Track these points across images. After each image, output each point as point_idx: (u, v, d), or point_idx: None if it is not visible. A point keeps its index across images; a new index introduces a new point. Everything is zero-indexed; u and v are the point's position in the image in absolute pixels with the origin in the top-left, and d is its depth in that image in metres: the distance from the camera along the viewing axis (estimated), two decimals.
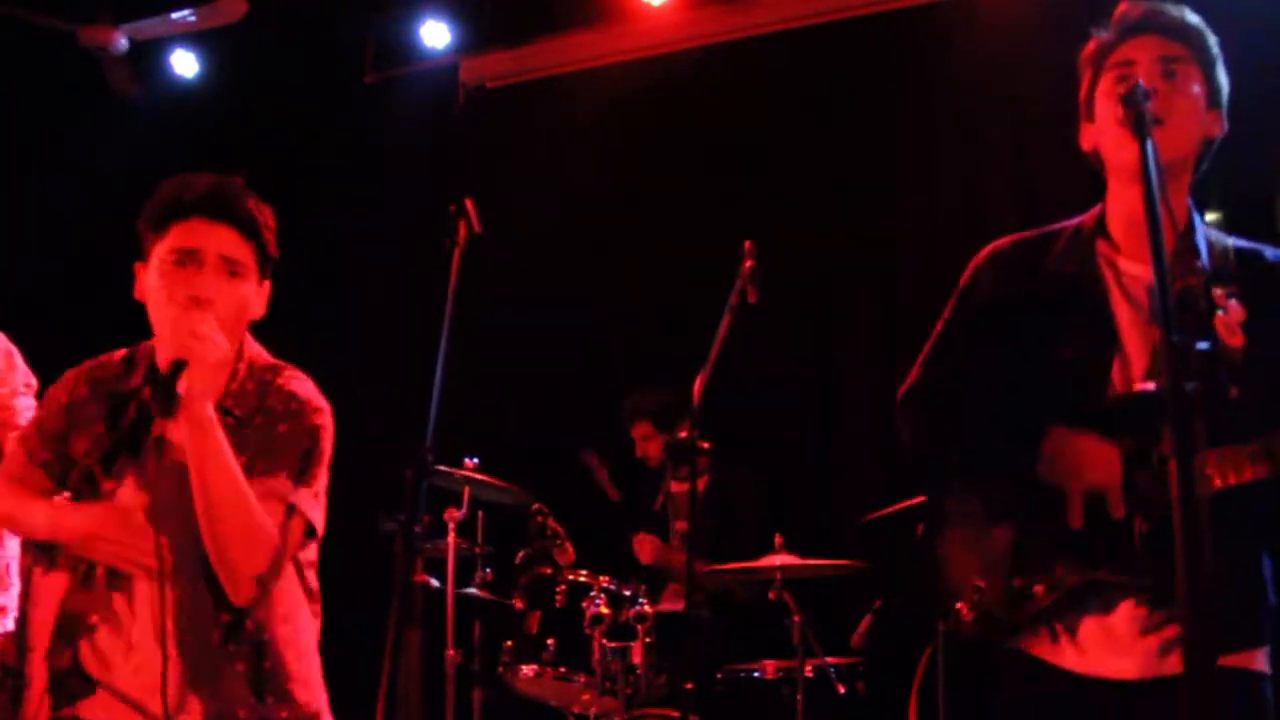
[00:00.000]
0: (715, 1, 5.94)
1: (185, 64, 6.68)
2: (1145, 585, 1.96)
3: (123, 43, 6.07)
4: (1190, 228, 2.10)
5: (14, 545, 3.71)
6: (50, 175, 6.47)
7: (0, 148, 6.28)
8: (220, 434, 2.20)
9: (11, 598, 3.67)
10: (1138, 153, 1.78)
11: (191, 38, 6.47)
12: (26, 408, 3.67)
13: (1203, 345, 1.75)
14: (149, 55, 6.49)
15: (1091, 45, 2.21)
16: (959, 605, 2.14)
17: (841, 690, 4.18)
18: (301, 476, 2.33)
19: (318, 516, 2.35)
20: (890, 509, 4.24)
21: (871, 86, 5.72)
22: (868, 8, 5.68)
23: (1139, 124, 1.78)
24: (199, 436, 2.18)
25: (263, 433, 2.34)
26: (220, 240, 2.31)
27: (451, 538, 4.49)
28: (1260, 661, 2.04)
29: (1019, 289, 2.21)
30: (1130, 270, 2.12)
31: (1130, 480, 1.96)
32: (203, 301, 2.26)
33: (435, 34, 6.32)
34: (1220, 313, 2.01)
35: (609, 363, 5.98)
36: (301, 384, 2.43)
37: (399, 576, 1.92)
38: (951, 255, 2.37)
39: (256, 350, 2.47)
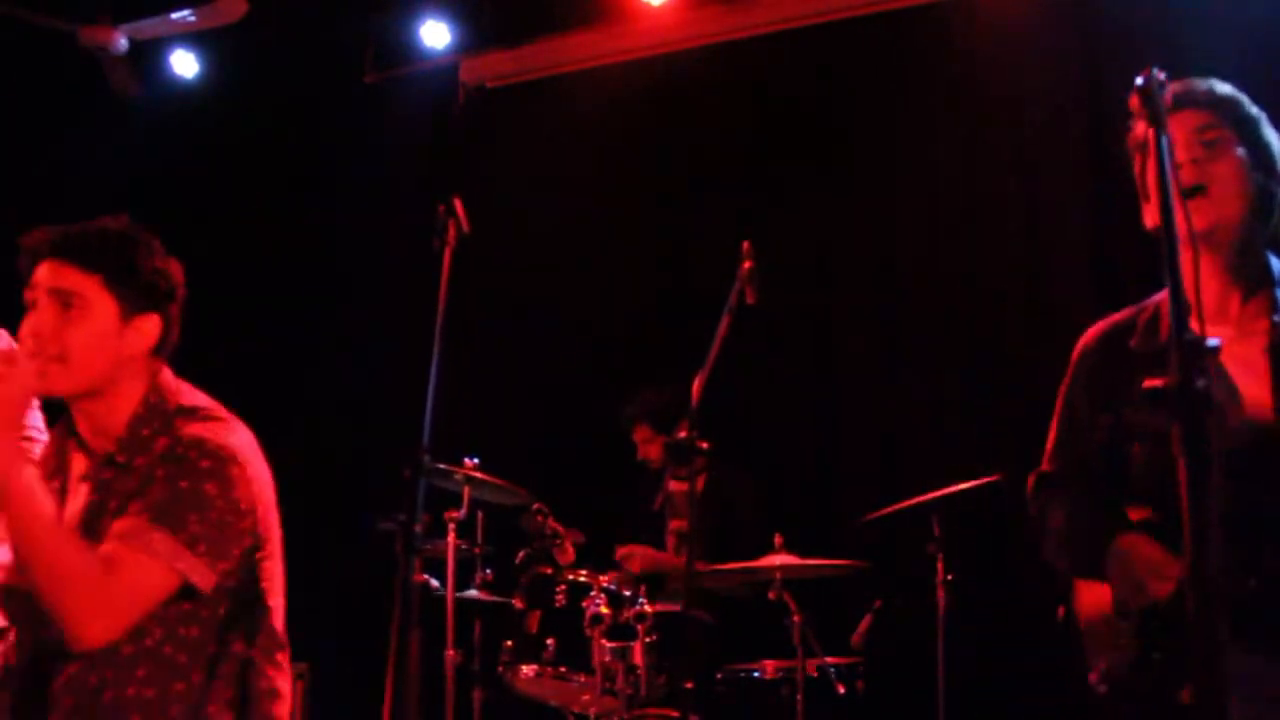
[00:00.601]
0: (715, 1, 5.93)
1: (185, 64, 6.68)
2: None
3: (123, 43, 6.06)
4: (1264, 279, 2.15)
5: None
6: (50, 175, 6.46)
7: (0, 148, 6.27)
8: (17, 477, 2.07)
9: None
10: (1184, 222, 1.78)
11: (191, 38, 6.47)
12: (32, 428, 3.65)
13: (1213, 342, 1.75)
14: (149, 55, 6.49)
15: (1137, 130, 2.23)
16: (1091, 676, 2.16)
17: (841, 690, 4.17)
18: (168, 521, 2.16)
19: (187, 565, 2.16)
20: (890, 509, 4.24)
21: (871, 86, 5.71)
22: (868, 8, 5.68)
23: (1154, 114, 1.76)
24: None
25: (142, 477, 2.24)
26: (55, 276, 2.27)
27: (451, 538, 4.49)
28: None
29: (1113, 368, 2.25)
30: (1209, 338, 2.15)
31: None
32: (38, 339, 2.23)
33: (435, 34, 6.31)
34: None
35: (609, 363, 5.98)
36: (207, 428, 2.29)
37: (400, 577, 1.91)
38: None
39: (170, 393, 2.36)
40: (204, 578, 2.19)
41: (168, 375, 2.40)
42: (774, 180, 5.83)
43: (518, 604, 4.33)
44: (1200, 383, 1.47)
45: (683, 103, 6.05)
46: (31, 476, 2.12)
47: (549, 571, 4.37)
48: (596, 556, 4.73)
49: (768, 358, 5.63)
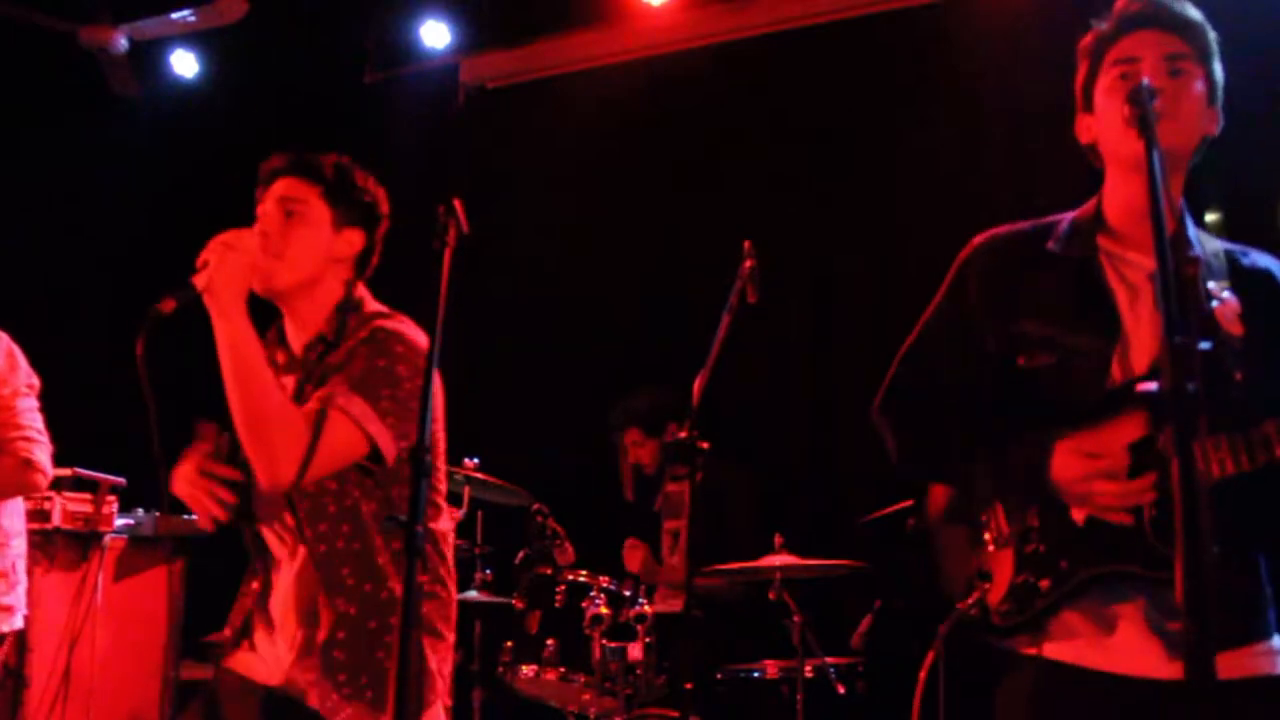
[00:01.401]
0: (715, 1, 5.93)
1: (185, 64, 6.68)
2: (1161, 578, 1.91)
3: (123, 43, 6.07)
4: (1181, 223, 2.10)
5: (18, 544, 3.72)
6: (50, 176, 6.47)
7: (0, 148, 6.28)
8: (238, 320, 2.35)
9: (17, 596, 3.67)
10: (1140, 148, 1.77)
11: (191, 38, 6.48)
12: (28, 409, 3.67)
13: (1205, 345, 1.74)
14: (149, 55, 6.50)
15: (1090, 36, 2.19)
16: (961, 605, 2.13)
17: (841, 690, 4.18)
18: (364, 390, 2.41)
19: (376, 430, 2.39)
20: (890, 509, 4.24)
21: (871, 86, 5.71)
22: (868, 8, 5.68)
23: (1145, 125, 1.77)
24: (217, 322, 2.35)
25: (345, 355, 2.51)
26: (283, 189, 2.63)
27: (451, 538, 4.49)
28: (1274, 663, 2.01)
29: (1019, 272, 2.19)
30: (1132, 259, 2.12)
31: (1138, 466, 1.93)
32: (264, 236, 2.54)
33: (435, 34, 6.32)
34: (1218, 304, 2.02)
35: (609, 362, 5.98)
36: (402, 325, 2.56)
37: (403, 577, 1.92)
38: (951, 254, 2.36)
39: (365, 296, 2.66)
40: (389, 447, 2.42)
41: (363, 288, 2.68)
42: (774, 180, 5.84)
43: (518, 604, 4.34)
44: (1191, 386, 1.48)
45: (683, 103, 6.06)
46: (250, 328, 2.37)
47: (549, 571, 4.37)
48: (595, 556, 4.74)
49: (768, 358, 5.64)
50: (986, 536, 2.14)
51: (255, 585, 2.56)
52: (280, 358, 2.63)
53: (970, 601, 2.13)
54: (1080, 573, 1.99)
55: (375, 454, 2.42)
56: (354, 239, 2.66)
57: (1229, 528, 1.75)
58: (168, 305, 2.32)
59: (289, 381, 2.57)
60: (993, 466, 2.12)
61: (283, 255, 2.55)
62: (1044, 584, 2.03)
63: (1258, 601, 2.03)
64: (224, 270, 2.36)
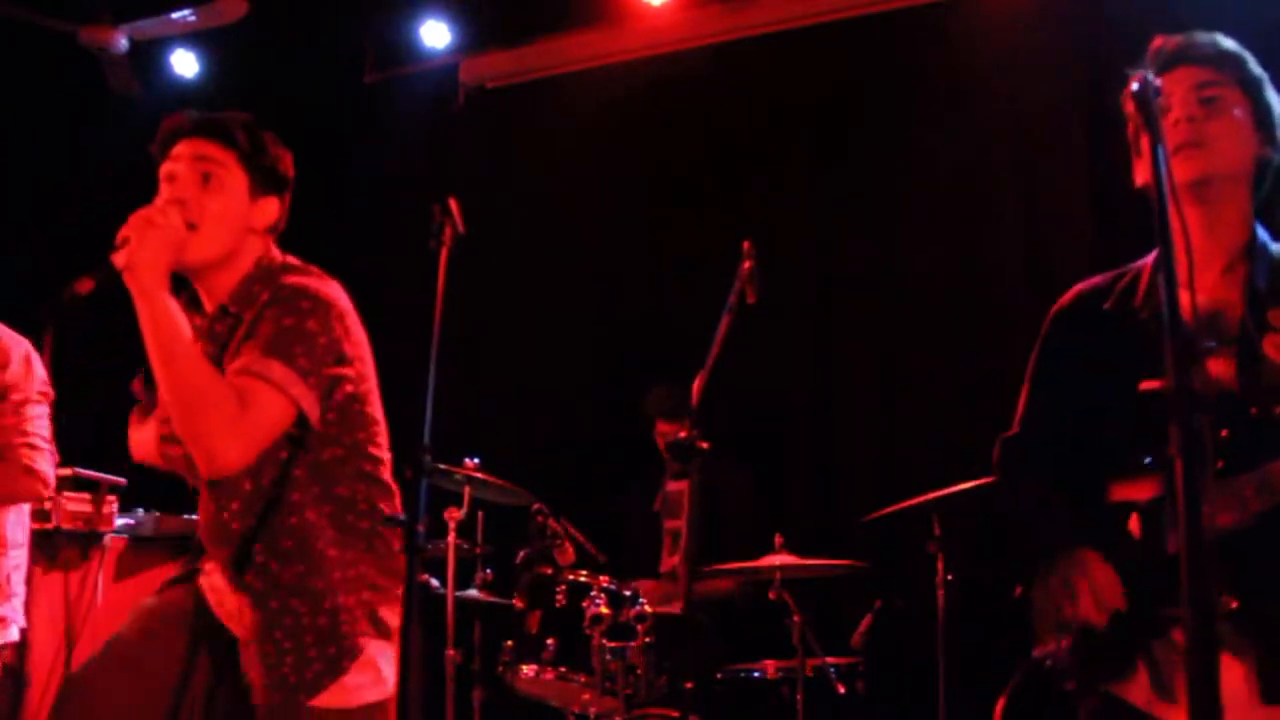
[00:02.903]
0: (715, 1, 5.93)
1: (185, 64, 6.68)
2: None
3: (123, 43, 6.06)
4: (1251, 248, 2.08)
5: (16, 555, 3.70)
6: (50, 176, 6.47)
7: (0, 148, 6.28)
8: (161, 301, 2.25)
9: (13, 608, 3.66)
10: (1180, 172, 1.75)
11: (191, 38, 6.47)
12: (37, 416, 3.64)
13: (1210, 344, 1.73)
14: (149, 55, 6.49)
15: (1130, 87, 2.21)
16: (1037, 652, 2.11)
17: (841, 690, 4.17)
18: (279, 352, 2.31)
19: (300, 392, 2.30)
20: (890, 509, 4.24)
21: (872, 86, 5.71)
22: (868, 8, 5.68)
23: (1148, 119, 1.76)
24: (139, 302, 2.26)
25: (251, 322, 2.41)
26: (196, 150, 2.47)
27: (451, 538, 4.49)
28: None
29: (1087, 332, 2.21)
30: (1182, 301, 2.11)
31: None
32: (180, 203, 2.40)
33: (435, 34, 6.32)
34: (1273, 333, 1.99)
35: (609, 363, 5.98)
36: (310, 279, 2.48)
37: (405, 577, 1.91)
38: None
39: (275, 257, 2.56)
40: (314, 408, 2.34)
41: (276, 250, 2.59)
42: (774, 180, 5.84)
43: (518, 604, 4.33)
44: (1196, 385, 1.47)
45: (683, 103, 6.05)
46: (177, 314, 2.27)
47: (549, 571, 4.37)
48: (595, 556, 4.74)
49: (768, 358, 5.64)
50: (1067, 593, 2.10)
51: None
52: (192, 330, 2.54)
53: (1049, 650, 2.10)
54: (1164, 611, 1.95)
55: (302, 419, 2.33)
56: (269, 208, 2.56)
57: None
58: (85, 285, 2.24)
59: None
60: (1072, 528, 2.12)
61: (200, 226, 2.42)
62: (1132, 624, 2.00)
63: None
64: (146, 248, 2.25)
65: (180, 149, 2.48)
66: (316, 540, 2.37)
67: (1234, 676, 1.92)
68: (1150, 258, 2.24)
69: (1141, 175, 2.20)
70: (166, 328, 2.24)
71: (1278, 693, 1.90)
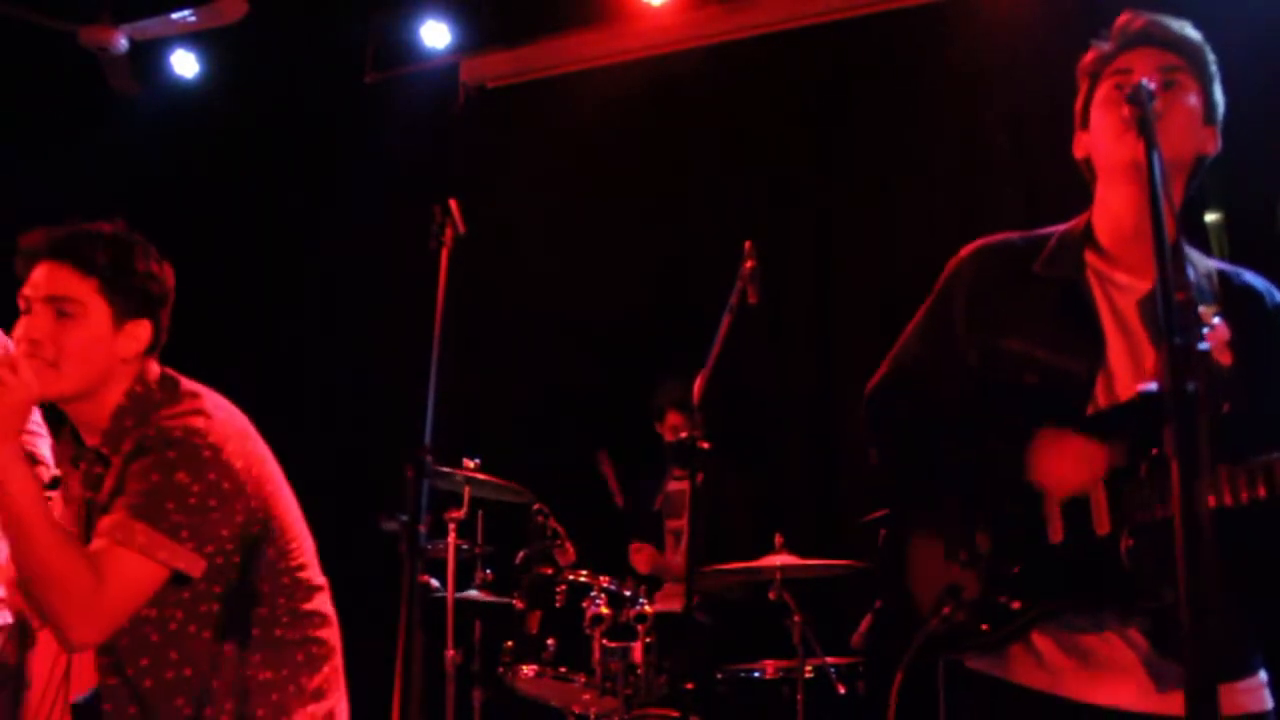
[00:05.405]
0: (715, 1, 5.94)
1: (185, 64, 6.68)
2: (1134, 609, 1.89)
3: (123, 43, 6.07)
4: (1178, 245, 2.08)
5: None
6: (50, 176, 6.47)
7: (0, 148, 6.28)
8: (13, 470, 2.09)
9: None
10: (1135, 152, 1.76)
11: (191, 38, 6.47)
12: (32, 422, 3.65)
13: (1204, 346, 1.73)
14: (149, 55, 6.49)
15: (1090, 56, 2.19)
16: (931, 620, 2.07)
17: (841, 690, 4.18)
18: (147, 514, 2.19)
19: (169, 555, 2.19)
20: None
21: (871, 86, 5.72)
22: (868, 8, 5.69)
23: (1144, 125, 1.75)
24: None
25: (118, 473, 2.28)
26: (51, 281, 2.31)
27: (452, 538, 4.50)
28: (1262, 699, 1.97)
29: (1005, 288, 2.17)
30: (1119, 281, 2.09)
31: (1116, 492, 1.90)
32: (33, 343, 2.25)
33: (435, 34, 6.32)
34: (1208, 330, 1.98)
35: (609, 362, 5.98)
36: (176, 418, 2.30)
37: (405, 577, 1.91)
38: (951, 254, 2.36)
39: (154, 384, 2.39)
40: (191, 563, 2.23)
41: (154, 367, 2.43)
42: (774, 180, 5.84)
43: (518, 604, 4.33)
44: (1190, 386, 1.47)
45: (683, 103, 6.06)
46: (29, 482, 2.12)
47: (549, 571, 4.37)
48: (596, 558, 4.74)
49: (768, 358, 5.64)
50: (959, 552, 2.10)
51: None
52: (73, 473, 2.42)
53: (938, 619, 2.06)
54: (1054, 595, 1.95)
55: (178, 576, 2.22)
56: (139, 333, 2.36)
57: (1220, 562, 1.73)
58: None
59: (78, 484, 2.37)
60: (968, 478, 2.10)
61: (59, 364, 2.26)
62: (1015, 605, 1.98)
63: (1243, 636, 1.98)
64: (6, 415, 2.09)
65: (37, 276, 2.32)
66: (245, 669, 2.31)
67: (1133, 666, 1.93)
68: (1064, 226, 2.24)
69: (1080, 149, 2.22)
70: (18, 500, 2.09)
71: (1167, 682, 1.89)
